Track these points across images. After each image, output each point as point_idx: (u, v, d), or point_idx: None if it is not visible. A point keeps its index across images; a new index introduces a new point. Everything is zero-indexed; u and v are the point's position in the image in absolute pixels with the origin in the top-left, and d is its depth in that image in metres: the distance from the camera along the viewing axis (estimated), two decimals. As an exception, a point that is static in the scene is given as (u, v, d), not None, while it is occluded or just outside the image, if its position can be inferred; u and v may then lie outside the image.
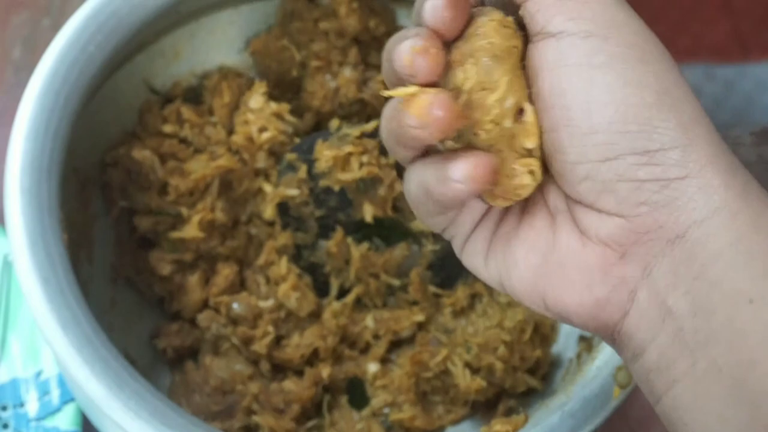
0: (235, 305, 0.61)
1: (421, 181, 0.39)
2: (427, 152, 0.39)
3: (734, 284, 0.35)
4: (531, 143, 0.37)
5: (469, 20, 0.37)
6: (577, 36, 0.36)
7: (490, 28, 0.37)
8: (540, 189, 0.39)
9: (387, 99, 0.38)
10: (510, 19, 0.38)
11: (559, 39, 0.36)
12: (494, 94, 0.37)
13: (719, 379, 0.35)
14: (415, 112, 0.36)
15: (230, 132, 0.63)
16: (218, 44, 0.66)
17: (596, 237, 0.37)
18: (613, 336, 0.39)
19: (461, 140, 0.38)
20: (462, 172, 0.37)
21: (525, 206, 0.40)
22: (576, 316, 0.38)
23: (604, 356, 0.54)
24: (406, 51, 0.36)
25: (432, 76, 0.36)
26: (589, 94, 0.36)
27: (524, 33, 0.38)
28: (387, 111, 0.38)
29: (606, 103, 0.36)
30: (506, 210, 0.40)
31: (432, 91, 0.36)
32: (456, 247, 0.42)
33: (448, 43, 0.37)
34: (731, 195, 0.36)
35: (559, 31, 0.36)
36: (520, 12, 0.37)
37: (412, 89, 0.36)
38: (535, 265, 0.39)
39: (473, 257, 0.41)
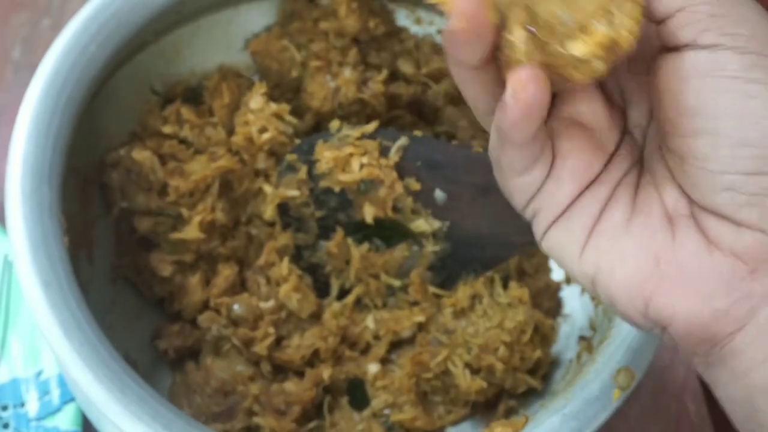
0: (235, 306, 0.61)
1: (495, 127, 0.38)
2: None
3: None
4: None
5: None
6: (733, 51, 0.36)
7: None
8: (656, 189, 0.39)
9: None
10: None
11: (713, 51, 0.36)
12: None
13: None
14: (449, 7, 0.36)
15: (230, 132, 0.63)
16: (218, 44, 0.66)
17: (728, 248, 0.37)
18: (711, 350, 0.38)
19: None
20: (512, 87, 0.36)
21: (636, 202, 0.40)
22: (682, 324, 0.38)
23: (605, 358, 0.54)
24: None
25: None
26: (745, 107, 0.36)
27: None
28: (445, 33, 0.38)
29: (762, 116, 0.36)
30: (612, 201, 0.40)
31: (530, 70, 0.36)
32: (538, 227, 0.41)
33: None
34: None
35: (713, 44, 0.36)
36: (663, 25, 0.37)
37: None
38: (645, 266, 0.38)
39: (565, 243, 0.40)
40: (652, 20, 0.37)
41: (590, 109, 0.40)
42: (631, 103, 0.41)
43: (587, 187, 0.40)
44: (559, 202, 0.40)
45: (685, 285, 0.37)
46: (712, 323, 0.37)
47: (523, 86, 0.36)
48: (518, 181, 0.40)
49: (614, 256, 0.39)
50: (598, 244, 0.39)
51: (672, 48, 0.37)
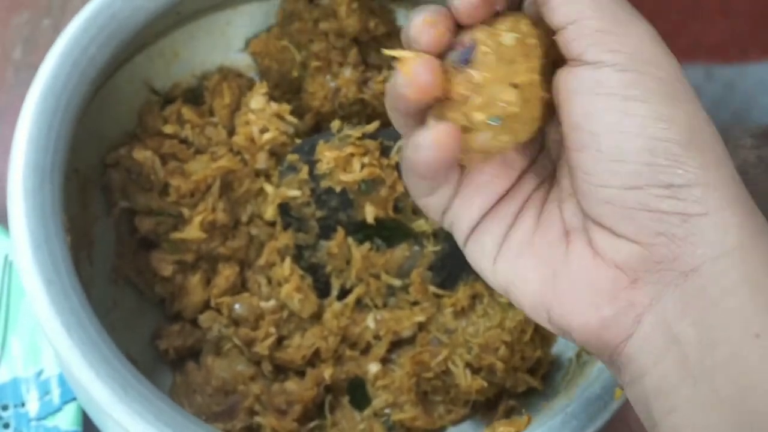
0: (236, 306, 0.61)
1: (404, 154, 0.41)
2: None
3: (742, 319, 0.36)
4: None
5: (496, 16, 0.40)
6: (614, 68, 0.37)
7: (512, 23, 0.39)
8: (559, 203, 0.41)
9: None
10: (533, 30, 0.39)
11: (596, 68, 0.38)
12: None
13: (720, 407, 0.36)
14: (404, 70, 0.38)
15: (231, 133, 0.63)
16: (218, 45, 0.66)
17: (610, 260, 0.39)
18: (612, 357, 0.39)
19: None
20: (428, 139, 0.39)
21: (540, 217, 0.42)
22: (579, 333, 0.40)
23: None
24: (419, 19, 0.39)
25: (431, 47, 0.39)
26: (621, 124, 0.37)
27: (546, 41, 0.39)
28: (391, 78, 0.40)
29: (637, 134, 0.37)
30: (520, 216, 0.42)
31: (426, 56, 0.38)
32: (458, 239, 0.43)
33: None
34: (746, 235, 0.37)
35: (596, 60, 0.38)
36: (557, 37, 0.39)
37: (409, 53, 0.39)
38: (544, 277, 0.40)
39: (479, 256, 0.42)
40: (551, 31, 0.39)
41: None
42: (550, 120, 0.42)
43: (498, 201, 0.42)
44: (470, 217, 0.42)
45: (575, 296, 0.39)
46: (603, 332, 0.39)
47: (446, 134, 0.39)
48: (426, 201, 0.43)
49: (519, 270, 0.41)
50: (507, 259, 0.42)
51: (567, 61, 0.39)
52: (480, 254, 0.42)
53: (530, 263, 0.41)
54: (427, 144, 0.39)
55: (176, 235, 0.61)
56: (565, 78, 0.38)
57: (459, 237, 0.43)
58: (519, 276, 0.41)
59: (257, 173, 0.63)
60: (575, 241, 0.40)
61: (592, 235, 0.39)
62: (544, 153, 0.43)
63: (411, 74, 0.38)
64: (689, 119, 0.38)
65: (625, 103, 0.37)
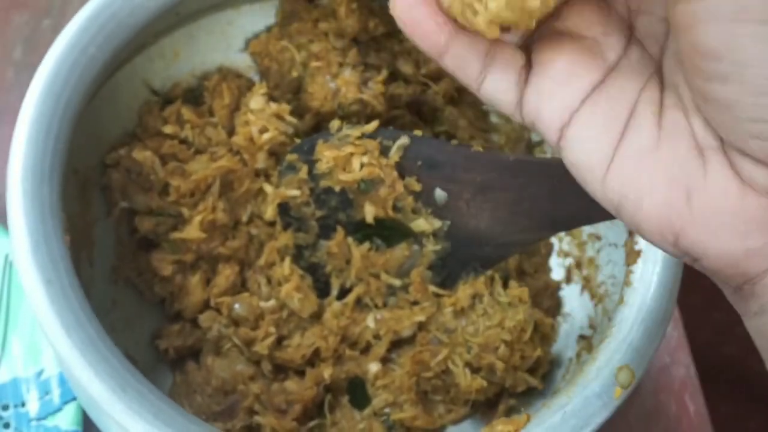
0: (236, 306, 0.61)
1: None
2: None
3: None
4: None
5: None
6: None
7: None
8: (684, 113, 0.37)
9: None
10: None
11: None
12: None
13: None
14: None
15: (231, 133, 0.63)
16: (218, 45, 0.66)
17: (763, 189, 0.36)
18: (744, 286, 0.37)
19: None
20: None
21: (662, 124, 0.38)
22: (714, 260, 0.37)
23: (605, 356, 0.54)
24: None
25: None
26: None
27: None
28: None
29: None
30: (634, 119, 0.38)
31: None
32: (549, 139, 0.39)
33: None
34: None
35: None
36: None
37: None
38: (676, 199, 0.37)
39: (585, 160, 0.38)
40: None
41: (578, 23, 0.39)
42: (638, 11, 0.39)
43: (592, 97, 0.38)
44: (559, 106, 0.38)
45: (717, 222, 0.36)
46: (745, 261, 0.36)
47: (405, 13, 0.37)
48: (483, 92, 0.39)
49: (641, 184, 0.37)
50: (623, 168, 0.37)
51: None
52: (584, 158, 0.38)
53: (658, 177, 0.37)
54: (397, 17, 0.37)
55: (176, 235, 0.61)
56: (695, 3, 0.34)
57: (550, 138, 0.39)
58: (642, 191, 0.37)
59: (257, 173, 0.63)
60: (715, 163, 0.36)
61: (737, 162, 0.36)
62: (634, 46, 0.39)
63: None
64: None
65: None
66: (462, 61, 0.39)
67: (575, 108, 0.38)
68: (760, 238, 0.36)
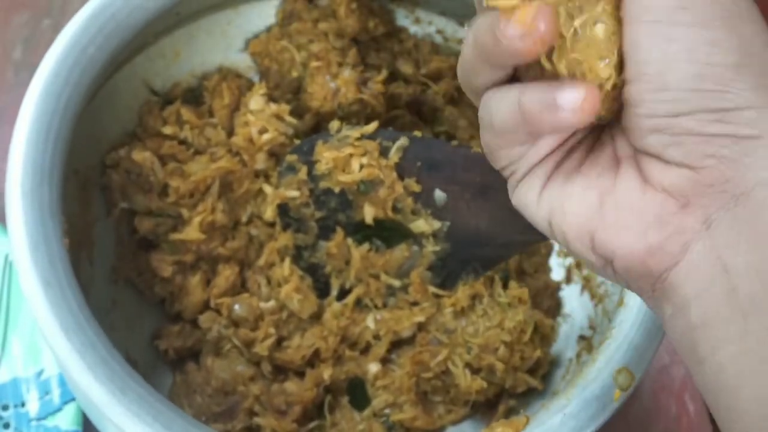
0: (236, 307, 0.61)
1: (517, 107, 0.38)
2: (515, 77, 0.40)
3: None
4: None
5: None
6: None
7: None
8: (611, 133, 0.40)
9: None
10: None
11: None
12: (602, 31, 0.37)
13: None
14: (519, 20, 0.36)
15: (230, 133, 0.63)
16: (217, 45, 0.66)
17: (659, 185, 0.38)
18: (655, 286, 0.38)
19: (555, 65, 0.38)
20: (572, 101, 0.37)
21: (592, 146, 0.41)
22: (622, 259, 0.39)
23: (605, 358, 0.54)
24: None
25: None
26: (666, 52, 0.36)
27: None
28: (480, 26, 0.38)
29: (684, 60, 0.36)
30: (573, 147, 0.41)
31: (535, 4, 0.36)
32: (511, 185, 0.42)
33: None
34: None
35: None
36: None
37: (514, 1, 0.36)
38: (590, 202, 0.39)
39: (527, 192, 0.41)
40: None
41: None
42: None
43: (563, 142, 0.41)
44: (531, 162, 0.41)
45: (622, 222, 0.38)
46: (648, 258, 0.38)
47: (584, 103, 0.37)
48: (505, 153, 0.41)
49: (565, 196, 0.40)
50: (552, 188, 0.41)
51: None
52: (528, 190, 0.41)
53: (577, 189, 0.40)
54: (568, 105, 0.37)
55: (176, 236, 0.61)
56: (622, 7, 0.37)
57: (513, 182, 0.42)
58: (564, 202, 0.40)
59: (256, 174, 0.63)
60: (625, 169, 0.39)
61: (641, 164, 0.38)
62: None
63: (527, 24, 0.36)
64: (744, 42, 0.36)
65: (671, 29, 0.36)
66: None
67: (538, 161, 0.41)
68: (658, 234, 0.38)
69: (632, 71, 0.37)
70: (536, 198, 0.41)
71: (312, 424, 0.61)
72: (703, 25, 0.36)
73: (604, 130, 0.41)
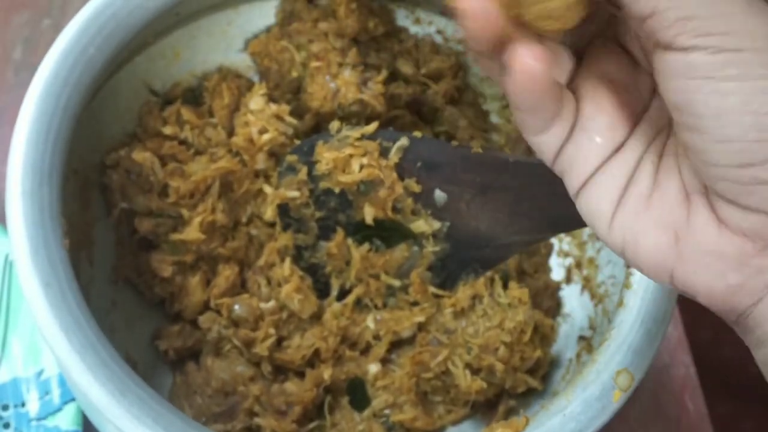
0: (236, 307, 0.61)
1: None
2: None
3: None
4: None
5: None
6: (705, 51, 0.36)
7: None
8: (676, 160, 0.40)
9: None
10: None
11: (687, 54, 0.36)
12: None
13: None
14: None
15: (230, 133, 0.63)
16: (217, 45, 0.66)
17: (736, 227, 0.38)
18: (738, 320, 0.39)
19: None
20: (511, 62, 0.37)
21: (658, 173, 0.40)
22: (704, 297, 0.39)
23: (605, 359, 0.54)
24: None
25: None
26: (721, 107, 0.36)
27: None
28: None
29: (740, 112, 0.36)
30: (638, 170, 0.41)
31: None
32: (570, 186, 0.42)
33: None
34: None
35: (687, 46, 0.36)
36: (645, 24, 0.37)
37: None
38: (665, 242, 0.39)
39: (595, 210, 0.41)
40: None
41: (617, 68, 0.41)
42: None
43: (615, 152, 0.41)
44: (585, 164, 0.41)
45: (700, 262, 0.39)
46: (730, 297, 0.38)
47: (521, 61, 0.38)
48: (536, 140, 0.41)
49: (637, 230, 0.40)
50: (624, 217, 0.40)
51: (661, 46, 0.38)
52: (595, 209, 0.41)
53: (650, 224, 0.40)
54: (512, 70, 0.38)
55: (176, 236, 0.61)
56: (659, 59, 0.37)
57: (572, 186, 0.42)
58: (638, 236, 0.40)
59: (256, 174, 0.63)
60: (697, 206, 0.39)
61: (714, 204, 0.38)
62: (657, 98, 0.42)
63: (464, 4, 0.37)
64: None
65: (722, 84, 0.36)
66: (534, 114, 0.41)
67: (601, 164, 0.41)
68: (738, 276, 0.38)
69: (690, 122, 0.37)
70: (607, 223, 0.41)
71: (312, 425, 0.61)
72: (754, 75, 0.36)
73: (668, 154, 0.41)
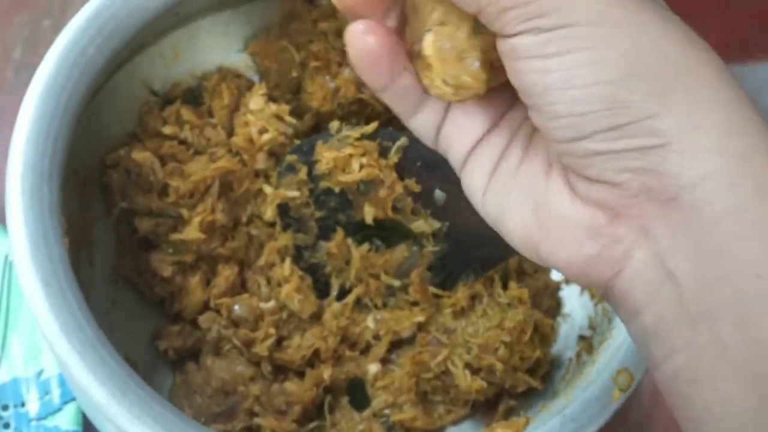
0: (236, 307, 0.61)
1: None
2: None
3: (739, 256, 0.34)
4: None
5: None
6: (530, 33, 0.36)
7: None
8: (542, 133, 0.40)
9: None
10: None
11: (515, 38, 0.36)
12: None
13: (724, 357, 0.34)
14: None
15: (230, 133, 0.63)
16: (217, 45, 0.66)
17: (586, 197, 0.37)
18: (606, 292, 0.38)
19: None
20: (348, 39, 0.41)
21: (529, 146, 0.41)
22: (567, 270, 0.39)
23: (605, 359, 0.54)
24: None
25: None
26: (546, 84, 0.36)
27: None
28: None
29: (563, 88, 0.36)
30: (509, 146, 0.41)
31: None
32: (455, 168, 0.43)
33: None
34: (729, 159, 0.35)
35: (515, 33, 0.36)
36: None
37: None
38: (528, 213, 0.39)
39: (472, 187, 0.42)
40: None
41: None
42: None
43: (490, 129, 0.42)
44: (462, 144, 0.42)
45: (558, 233, 0.38)
46: (591, 269, 0.38)
47: (358, 38, 0.41)
48: (411, 124, 0.43)
49: (506, 203, 0.40)
50: (494, 191, 0.41)
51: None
52: (472, 183, 0.42)
53: (515, 195, 0.40)
54: (349, 46, 0.41)
55: (176, 236, 0.61)
56: (499, 46, 0.38)
57: (455, 166, 0.42)
58: (506, 209, 0.40)
59: (256, 174, 0.63)
60: (554, 177, 0.39)
61: (567, 176, 0.38)
62: None
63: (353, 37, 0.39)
64: (624, 54, 0.35)
65: (544, 61, 0.36)
66: (400, 98, 0.42)
67: (477, 141, 0.42)
68: (594, 246, 0.37)
69: (529, 102, 0.37)
70: (481, 199, 0.41)
71: (312, 425, 0.61)
72: (578, 48, 0.35)
73: (538, 131, 0.40)
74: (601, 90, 0.35)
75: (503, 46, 0.37)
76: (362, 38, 0.40)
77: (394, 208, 0.60)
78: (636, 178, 0.36)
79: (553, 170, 0.39)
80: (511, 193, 0.40)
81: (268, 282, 0.62)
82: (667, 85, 0.35)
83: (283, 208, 0.62)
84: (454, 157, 0.42)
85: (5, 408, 0.61)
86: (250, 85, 0.65)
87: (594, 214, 0.37)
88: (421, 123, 0.42)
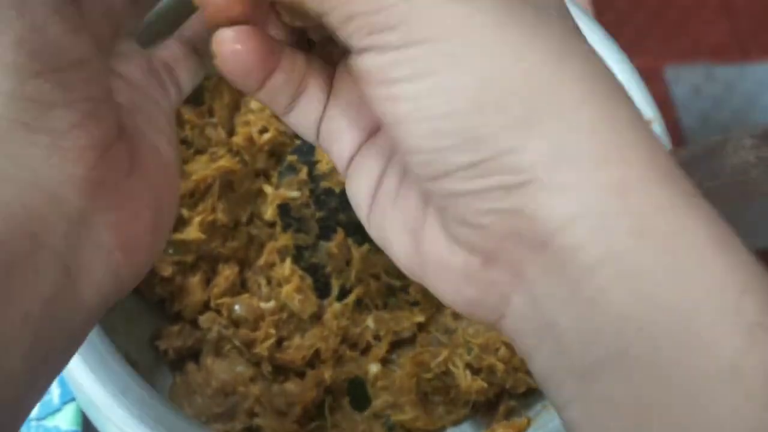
0: (236, 307, 0.61)
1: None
2: None
3: (618, 308, 0.30)
4: None
5: None
6: (377, 51, 0.31)
7: None
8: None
9: None
10: None
11: (361, 56, 0.31)
12: None
13: (616, 416, 0.30)
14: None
15: (230, 133, 0.63)
16: (218, 45, 0.66)
17: (457, 240, 0.33)
18: (500, 330, 0.34)
19: None
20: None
21: (404, 173, 0.36)
22: (454, 308, 0.35)
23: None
24: None
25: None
26: (397, 115, 0.31)
27: None
28: None
29: (415, 120, 0.31)
30: (387, 165, 0.37)
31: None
32: (338, 169, 0.39)
33: None
34: (600, 195, 0.30)
35: (362, 48, 0.31)
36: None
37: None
38: (409, 245, 0.35)
39: (354, 200, 0.38)
40: None
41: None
42: None
43: (369, 137, 0.37)
44: (341, 145, 0.37)
45: (437, 273, 0.34)
46: (474, 310, 0.34)
47: (226, 46, 0.34)
48: (286, 121, 0.38)
49: (387, 229, 0.36)
50: (377, 213, 0.37)
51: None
52: (354, 201, 0.38)
53: (395, 225, 0.35)
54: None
55: (176, 236, 0.61)
56: (350, 64, 0.33)
57: (339, 167, 0.38)
58: (388, 235, 0.36)
59: (257, 174, 0.63)
60: (430, 211, 0.34)
61: (440, 212, 0.34)
62: None
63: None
64: (477, 78, 0.30)
65: (393, 88, 0.31)
66: (274, 96, 0.37)
67: (356, 149, 0.37)
68: (471, 290, 0.33)
69: (387, 131, 0.32)
70: (366, 216, 0.37)
71: (312, 425, 0.61)
72: (428, 72, 0.30)
73: None
74: (454, 122, 0.30)
75: (352, 66, 0.32)
76: (231, 47, 0.34)
77: (395, 208, 0.60)
78: (503, 221, 0.31)
79: (429, 205, 0.34)
80: (392, 221, 0.36)
81: (269, 282, 0.62)
82: (531, 112, 0.30)
83: (284, 208, 0.62)
84: (336, 162, 0.38)
85: (5, 408, 0.61)
86: (250, 85, 0.65)
87: (467, 258, 0.33)
88: (298, 119, 0.38)
